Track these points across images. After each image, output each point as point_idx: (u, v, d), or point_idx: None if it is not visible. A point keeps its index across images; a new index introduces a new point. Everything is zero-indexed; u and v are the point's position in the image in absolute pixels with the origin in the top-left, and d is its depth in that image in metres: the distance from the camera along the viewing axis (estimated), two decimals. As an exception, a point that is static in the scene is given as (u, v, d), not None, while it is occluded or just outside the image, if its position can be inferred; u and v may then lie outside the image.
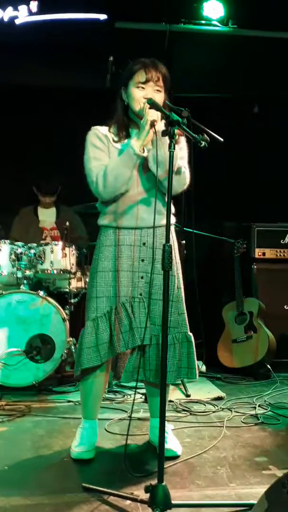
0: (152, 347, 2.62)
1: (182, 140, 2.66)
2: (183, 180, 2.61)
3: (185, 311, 2.74)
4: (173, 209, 2.74)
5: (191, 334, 2.72)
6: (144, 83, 2.58)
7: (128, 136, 2.66)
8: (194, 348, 2.71)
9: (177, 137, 2.32)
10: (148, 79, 2.58)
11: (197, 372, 2.69)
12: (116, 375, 2.92)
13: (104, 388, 2.82)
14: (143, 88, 2.58)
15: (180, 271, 2.76)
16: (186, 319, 2.73)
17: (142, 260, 2.63)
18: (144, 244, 2.62)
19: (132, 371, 2.63)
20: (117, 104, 2.70)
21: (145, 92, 2.57)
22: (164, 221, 2.61)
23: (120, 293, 2.61)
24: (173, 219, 2.74)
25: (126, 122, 2.68)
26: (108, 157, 2.63)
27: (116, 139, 2.66)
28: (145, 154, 2.55)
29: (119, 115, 2.69)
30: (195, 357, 2.70)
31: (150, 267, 2.61)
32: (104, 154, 2.64)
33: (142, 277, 2.62)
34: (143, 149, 2.54)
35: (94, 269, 2.70)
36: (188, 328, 2.73)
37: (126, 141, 2.63)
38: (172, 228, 2.73)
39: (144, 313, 2.58)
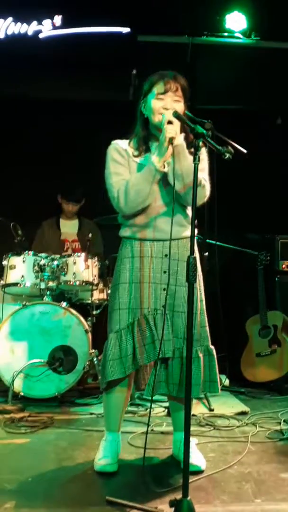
0: (176, 361, 2.60)
1: (203, 152, 2.65)
2: (203, 193, 2.60)
3: (207, 324, 2.72)
4: (195, 221, 2.74)
5: (212, 347, 2.70)
6: (163, 93, 2.58)
7: (148, 150, 2.66)
8: (216, 361, 2.68)
9: (200, 149, 2.32)
10: (166, 89, 2.57)
11: (219, 386, 2.67)
12: (137, 387, 2.91)
13: (127, 401, 2.80)
14: (162, 99, 2.58)
15: (202, 284, 2.74)
16: (208, 332, 2.71)
17: (164, 272, 2.62)
18: (166, 256, 2.61)
19: (156, 385, 2.61)
20: (136, 117, 2.70)
21: (164, 103, 2.57)
22: (185, 233, 2.63)
23: (143, 305, 2.60)
24: (195, 231, 2.72)
25: (146, 136, 2.68)
26: (129, 172, 2.63)
27: (136, 153, 2.66)
28: (166, 170, 2.54)
29: (139, 129, 2.69)
30: (217, 371, 2.68)
31: (172, 279, 2.60)
32: (125, 168, 2.65)
33: (164, 289, 2.60)
34: (164, 165, 2.53)
35: (116, 281, 2.69)
36: (210, 341, 2.71)
37: (146, 155, 2.64)
38: (195, 240, 2.72)
39: (167, 326, 2.56)
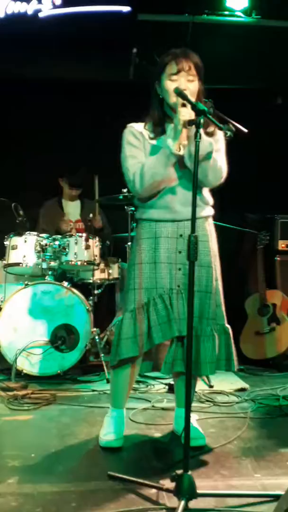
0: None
1: (219, 133, 2.62)
2: (219, 173, 2.58)
3: (223, 303, 2.71)
4: (211, 201, 2.75)
5: (228, 326, 2.70)
6: (175, 74, 2.54)
7: (163, 132, 2.63)
8: (232, 340, 2.70)
9: (203, 126, 2.31)
10: (179, 69, 2.54)
11: (235, 363, 2.68)
12: (156, 367, 2.92)
13: (134, 378, 2.82)
14: (175, 79, 2.54)
15: (218, 263, 2.74)
16: (224, 311, 2.71)
17: (180, 252, 2.61)
18: (181, 235, 2.61)
19: (172, 363, 2.63)
20: (152, 99, 2.66)
21: (178, 83, 2.52)
22: (201, 213, 2.63)
23: (158, 284, 2.61)
24: (211, 211, 2.74)
25: (161, 118, 2.65)
26: (144, 155, 2.62)
27: (152, 135, 2.64)
28: (181, 153, 2.51)
29: (154, 110, 2.66)
30: (233, 349, 2.69)
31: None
32: (140, 151, 2.62)
33: (179, 269, 2.61)
34: (179, 148, 2.51)
35: (132, 262, 2.70)
36: (226, 320, 2.72)
37: (161, 137, 2.61)
38: (211, 220, 2.74)
39: (182, 305, 2.57)
